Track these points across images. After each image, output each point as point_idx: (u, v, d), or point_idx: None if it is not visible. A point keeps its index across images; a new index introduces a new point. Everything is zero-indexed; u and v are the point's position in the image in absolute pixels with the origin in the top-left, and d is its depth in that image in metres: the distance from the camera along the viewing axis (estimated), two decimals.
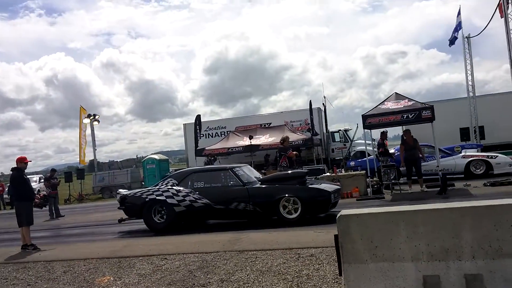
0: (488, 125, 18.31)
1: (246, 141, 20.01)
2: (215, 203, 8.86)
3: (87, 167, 46.54)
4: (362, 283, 3.82)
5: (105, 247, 7.78)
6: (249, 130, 21.45)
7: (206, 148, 20.43)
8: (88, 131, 30.44)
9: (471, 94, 18.02)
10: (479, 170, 13.30)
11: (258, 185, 9.01)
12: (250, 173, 9.77)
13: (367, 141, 17.29)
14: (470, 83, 17.94)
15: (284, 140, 11.89)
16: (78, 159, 30.59)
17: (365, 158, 13.87)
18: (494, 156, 13.46)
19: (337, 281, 4.37)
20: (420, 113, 11.56)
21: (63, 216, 15.32)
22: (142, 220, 9.51)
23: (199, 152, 20.30)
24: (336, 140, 23.38)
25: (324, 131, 23.04)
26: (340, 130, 23.75)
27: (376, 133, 14.29)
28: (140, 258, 6.41)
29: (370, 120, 12.20)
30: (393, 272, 3.78)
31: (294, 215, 8.42)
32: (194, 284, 4.85)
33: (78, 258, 6.80)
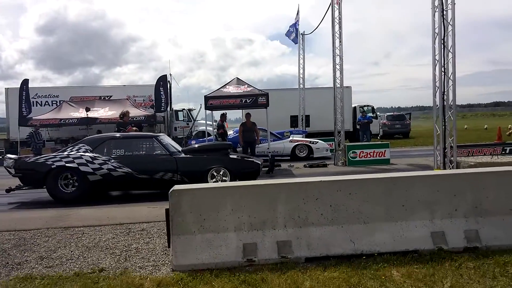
0: (313, 114, 20.77)
1: (81, 113, 18.57)
2: (138, 172, 8.25)
3: None
4: (189, 253, 4.05)
5: None
6: (86, 102, 19.93)
7: (34, 117, 18.30)
8: None
9: (301, 86, 20.06)
10: (302, 153, 15.03)
11: (184, 155, 8.67)
12: (172, 142, 9.28)
13: (208, 122, 17.87)
14: (301, 76, 19.93)
15: (124, 114, 11.41)
16: None
17: (205, 138, 14.38)
18: (315, 142, 15.38)
19: (165, 253, 4.51)
20: (256, 99, 12.49)
21: None
22: (36, 189, 8.44)
23: (24, 121, 18.06)
24: (180, 119, 23.50)
25: (168, 109, 22.88)
26: (184, 109, 23.91)
27: (218, 115, 14.89)
28: None
29: (212, 102, 12.68)
30: (218, 242, 4.11)
31: None
32: (7, 263, 4.42)
33: None
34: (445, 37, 7.25)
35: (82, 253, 4.67)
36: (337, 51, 12.91)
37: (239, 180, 8.10)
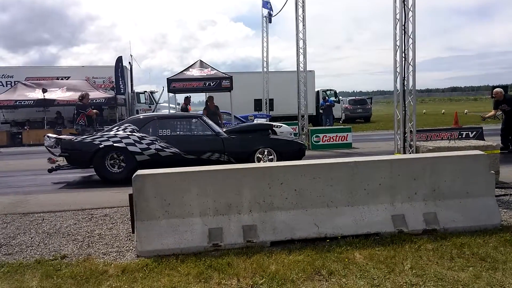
0: (277, 98, 20.84)
1: (38, 94, 17.86)
2: (185, 153, 8.16)
3: None
4: (154, 239, 4.01)
5: None
6: (43, 82, 19.17)
7: None
8: None
9: (265, 69, 20.03)
10: None
11: (230, 136, 8.54)
12: (213, 123, 9.19)
13: (171, 105, 17.59)
14: (265, 59, 19.88)
15: (83, 97, 11.04)
16: None
17: None
18: (279, 125, 15.44)
19: (130, 239, 4.44)
20: (220, 82, 12.42)
21: None
22: (77, 169, 8.57)
23: None
24: (142, 102, 23.03)
25: (130, 91, 22.37)
26: (146, 91, 23.43)
27: (181, 98, 14.68)
28: None
29: (175, 84, 12.49)
30: (183, 227, 4.08)
31: None
32: None
33: None
34: (406, 23, 7.39)
35: (43, 240, 4.53)
36: (301, 35, 12.93)
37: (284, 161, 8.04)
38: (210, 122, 8.93)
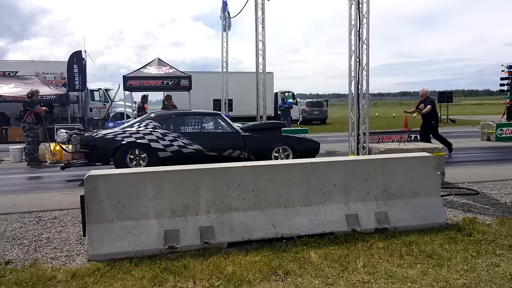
0: (236, 99, 20.87)
1: None
2: (208, 149, 8.12)
3: None
4: (106, 242, 3.88)
5: None
6: None
7: None
8: None
9: (225, 69, 19.97)
10: None
11: (250, 134, 8.55)
12: None
13: (127, 103, 17.17)
14: (225, 59, 19.80)
15: (33, 93, 10.55)
16: None
17: (124, 120, 13.84)
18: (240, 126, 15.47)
19: (81, 242, 4.28)
20: (179, 81, 12.27)
21: None
22: (90, 165, 8.16)
23: None
24: (96, 99, 22.27)
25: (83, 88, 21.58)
26: (100, 89, 22.67)
27: (138, 96, 14.36)
28: None
29: (131, 82, 12.21)
30: (138, 229, 3.98)
31: None
32: None
33: None
34: (360, 29, 7.61)
35: None
36: (260, 37, 13.02)
37: (300, 158, 8.14)
38: (228, 119, 8.93)
